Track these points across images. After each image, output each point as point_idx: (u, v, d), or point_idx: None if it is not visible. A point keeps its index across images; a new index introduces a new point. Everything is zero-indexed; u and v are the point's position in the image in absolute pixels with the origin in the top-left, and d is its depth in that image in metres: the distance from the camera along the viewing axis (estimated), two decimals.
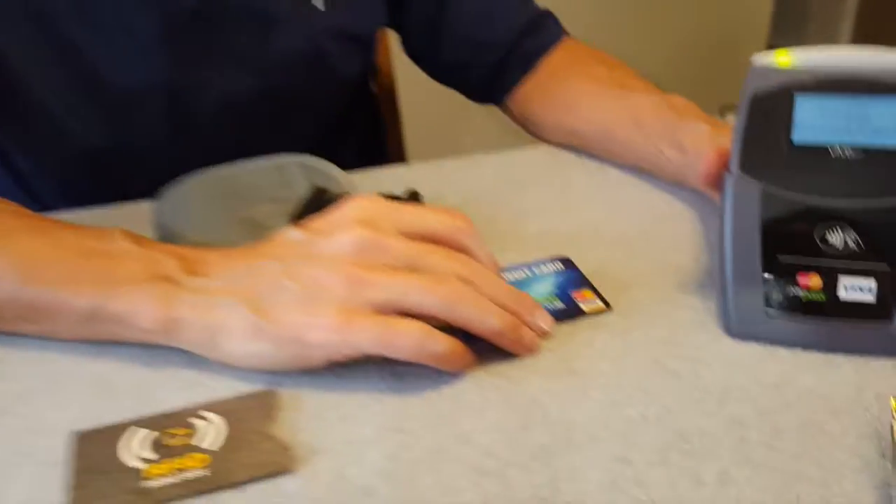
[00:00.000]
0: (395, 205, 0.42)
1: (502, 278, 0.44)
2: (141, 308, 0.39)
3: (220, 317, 0.39)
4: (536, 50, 0.71)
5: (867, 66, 0.39)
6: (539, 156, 0.67)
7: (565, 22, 0.74)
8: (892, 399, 0.34)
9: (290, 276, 0.39)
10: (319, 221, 0.42)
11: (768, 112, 0.40)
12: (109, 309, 0.40)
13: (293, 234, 0.42)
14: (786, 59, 0.40)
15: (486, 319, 0.39)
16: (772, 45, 1.93)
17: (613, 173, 0.62)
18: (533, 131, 0.72)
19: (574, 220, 0.55)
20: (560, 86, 0.68)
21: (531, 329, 0.41)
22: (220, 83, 0.63)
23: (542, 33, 0.71)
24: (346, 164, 0.58)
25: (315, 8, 0.64)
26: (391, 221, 0.40)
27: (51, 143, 0.63)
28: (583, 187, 0.61)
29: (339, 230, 0.40)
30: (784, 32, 1.97)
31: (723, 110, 0.54)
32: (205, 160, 0.59)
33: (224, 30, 0.61)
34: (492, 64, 0.71)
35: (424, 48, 0.74)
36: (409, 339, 0.37)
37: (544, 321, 0.41)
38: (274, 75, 0.64)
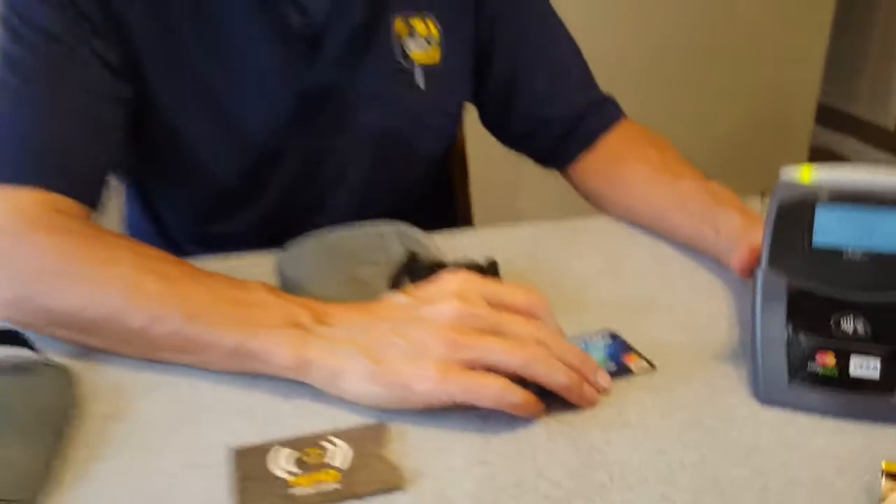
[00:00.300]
0: (484, 280, 0.52)
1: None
2: (278, 349, 0.50)
3: (342, 361, 0.49)
4: (596, 129, 0.81)
5: (876, 184, 0.48)
6: (597, 226, 0.77)
7: (621, 99, 0.84)
8: (883, 462, 0.42)
9: (399, 334, 0.49)
10: (423, 291, 0.52)
11: (792, 219, 0.49)
12: (251, 347, 0.50)
13: (401, 299, 0.52)
14: (808, 175, 0.49)
15: (555, 377, 0.48)
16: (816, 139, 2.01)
17: (663, 248, 0.71)
18: (591, 201, 0.82)
19: (627, 289, 0.65)
20: (616, 165, 0.78)
21: (592, 386, 0.50)
22: (341, 150, 0.75)
23: (602, 114, 0.82)
24: (423, 220, 0.69)
25: (418, 87, 0.75)
26: (481, 294, 0.50)
27: (195, 192, 0.75)
28: (636, 259, 0.70)
29: (439, 300, 0.50)
30: (829, 121, 2.04)
31: (764, 192, 0.63)
32: (320, 212, 0.71)
33: (347, 107, 0.73)
34: (555, 137, 0.82)
35: (497, 120, 0.85)
36: (493, 391, 0.47)
37: (604, 380, 0.50)
38: (383, 144, 0.76)
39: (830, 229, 0.48)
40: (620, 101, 0.84)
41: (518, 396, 0.47)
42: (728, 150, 1.88)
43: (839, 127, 3.05)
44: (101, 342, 0.53)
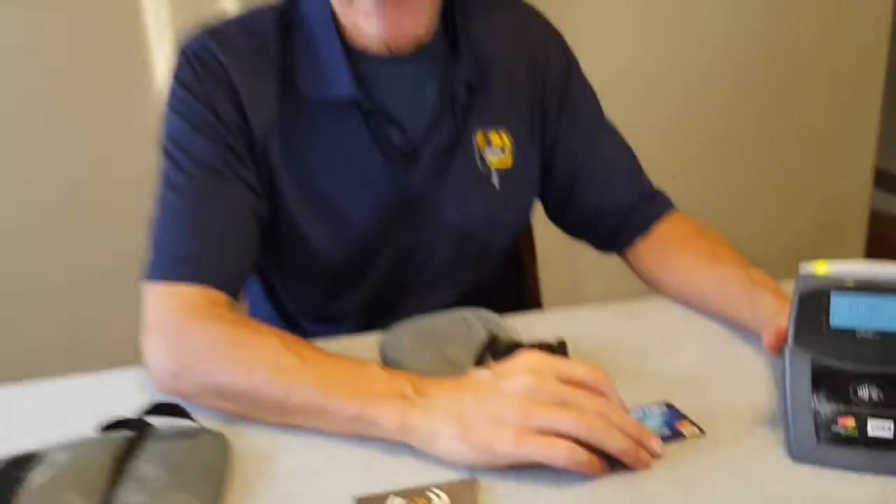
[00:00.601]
0: (554, 358, 0.63)
1: (627, 413, 0.63)
2: (387, 416, 0.61)
3: (437, 427, 0.60)
4: (649, 218, 0.92)
5: (878, 274, 0.58)
6: (653, 306, 0.88)
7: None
8: None
9: (483, 404, 0.60)
10: (502, 367, 0.63)
11: (812, 305, 0.59)
12: (367, 414, 0.62)
13: (484, 374, 0.63)
14: (823, 269, 0.59)
15: (614, 443, 0.57)
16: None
17: (710, 326, 0.81)
18: (647, 282, 0.93)
19: (680, 362, 0.75)
20: (669, 252, 0.88)
21: (647, 451, 0.59)
22: (428, 242, 0.89)
23: (653, 205, 0.93)
24: (498, 301, 0.81)
25: (494, 188, 0.88)
26: (552, 371, 0.61)
27: (311, 278, 0.90)
28: (687, 335, 0.80)
29: (516, 375, 0.61)
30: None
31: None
32: (410, 295, 0.83)
33: (435, 206, 0.87)
34: (611, 226, 0.93)
35: (560, 212, 0.98)
36: (562, 453, 0.56)
37: (657, 445, 0.59)
38: (464, 237, 0.89)
39: (844, 313, 0.58)
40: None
41: (583, 457, 0.57)
42: (792, 224, 1.95)
43: None
44: (246, 410, 0.67)
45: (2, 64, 1.41)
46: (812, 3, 1.82)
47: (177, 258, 0.75)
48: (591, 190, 0.93)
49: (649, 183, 0.96)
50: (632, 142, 0.97)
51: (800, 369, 0.58)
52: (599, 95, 0.95)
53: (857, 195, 2.01)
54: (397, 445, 0.62)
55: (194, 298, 0.72)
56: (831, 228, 2.01)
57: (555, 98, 0.90)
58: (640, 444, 0.59)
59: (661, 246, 0.90)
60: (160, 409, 0.66)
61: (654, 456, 0.59)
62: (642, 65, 1.77)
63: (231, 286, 0.76)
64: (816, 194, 1.97)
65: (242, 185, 0.79)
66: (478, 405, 0.60)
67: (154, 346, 0.71)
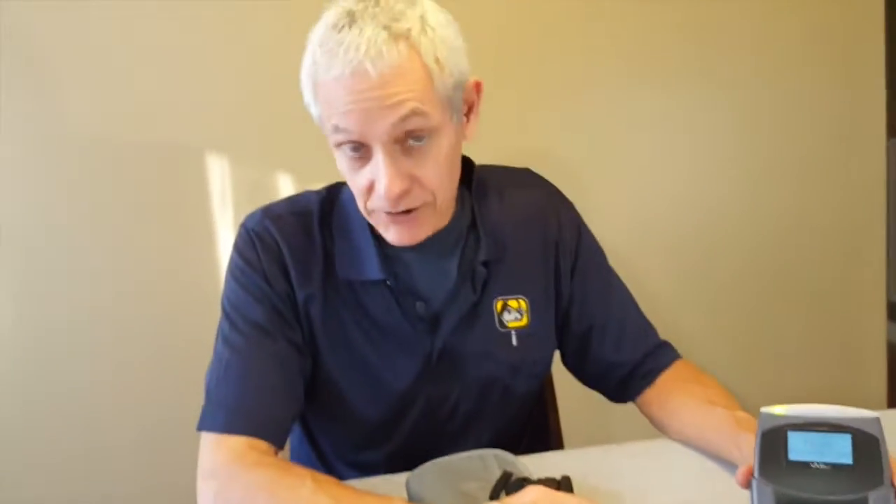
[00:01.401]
0: (557, 493, 0.72)
1: None
2: None
3: None
4: (655, 370, 1.03)
5: (827, 414, 0.67)
6: (655, 447, 0.97)
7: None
8: None
9: None
10: (511, 500, 0.73)
11: (773, 441, 0.68)
12: None
13: None
14: (781, 411, 0.69)
15: None
16: None
17: (707, 463, 0.90)
18: (654, 425, 1.02)
19: (678, 496, 0.83)
20: (670, 398, 0.99)
21: None
22: (454, 394, 0.99)
23: (659, 357, 1.04)
24: (523, 443, 0.90)
25: (512, 346, 0.99)
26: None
27: (347, 429, 1.00)
28: (685, 473, 0.89)
29: None
30: None
31: None
32: (440, 441, 0.94)
33: (459, 363, 0.98)
34: (622, 377, 1.04)
35: (576, 365, 1.08)
36: None
37: None
38: (486, 391, 1.00)
39: (799, 448, 0.67)
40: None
41: None
42: (816, 367, 2.02)
43: None
44: None
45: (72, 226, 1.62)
46: (814, 150, 1.98)
47: (228, 410, 0.86)
48: (605, 345, 1.03)
49: (656, 335, 1.06)
50: (650, 293, 1.09)
51: (765, 499, 0.67)
52: (622, 250, 1.07)
53: (874, 331, 2.07)
54: None
55: (242, 448, 0.83)
56: (853, 366, 2.06)
57: (568, 261, 1.02)
58: None
59: (663, 393, 1.00)
60: None
61: None
62: (657, 222, 1.92)
63: (275, 436, 0.87)
64: (835, 336, 2.04)
65: (288, 345, 0.92)
66: None
67: (205, 491, 0.81)
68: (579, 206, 1.08)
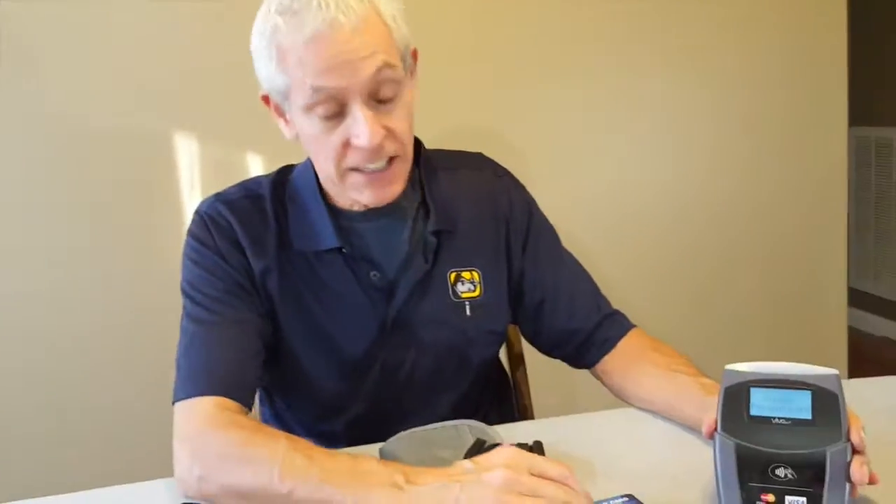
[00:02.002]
0: (529, 454, 0.72)
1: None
2: (382, 502, 0.71)
3: None
4: (612, 337, 1.06)
5: (789, 372, 0.70)
6: (623, 415, 0.99)
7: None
8: None
9: (465, 492, 0.69)
10: (484, 460, 0.73)
11: (736, 396, 0.71)
12: (364, 502, 0.71)
13: (468, 465, 0.74)
14: (745, 368, 0.72)
15: None
16: None
17: (672, 429, 0.92)
18: (614, 393, 1.05)
19: (646, 460, 0.85)
20: (631, 366, 1.01)
21: None
22: (410, 362, 1.01)
23: (614, 325, 1.06)
24: (488, 413, 0.91)
25: (466, 315, 1.02)
26: (526, 465, 0.70)
27: (307, 399, 1.02)
28: (652, 438, 0.91)
29: (493, 468, 0.70)
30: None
31: None
32: (398, 411, 0.95)
33: (414, 330, 1.00)
34: (578, 345, 1.07)
35: (533, 334, 1.11)
36: None
37: None
38: (442, 357, 1.02)
39: (761, 404, 0.70)
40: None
41: None
42: (777, 348, 2.07)
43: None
44: None
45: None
46: (776, 140, 2.03)
47: (196, 376, 0.87)
48: (557, 314, 1.07)
49: (608, 304, 1.10)
50: (605, 277, 1.12)
51: (727, 453, 0.69)
52: (574, 233, 1.11)
53: (835, 315, 2.13)
54: None
55: (213, 409, 0.84)
56: (815, 351, 2.11)
57: (519, 238, 1.06)
58: None
59: (624, 360, 1.03)
60: None
61: None
62: (612, 206, 1.95)
63: (243, 396, 0.88)
64: (797, 318, 2.09)
65: (248, 311, 0.94)
66: (461, 494, 0.69)
67: (181, 454, 0.82)
68: (532, 190, 1.12)
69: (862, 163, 3.33)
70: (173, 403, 0.88)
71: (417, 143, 1.03)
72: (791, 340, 2.08)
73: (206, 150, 1.64)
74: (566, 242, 1.13)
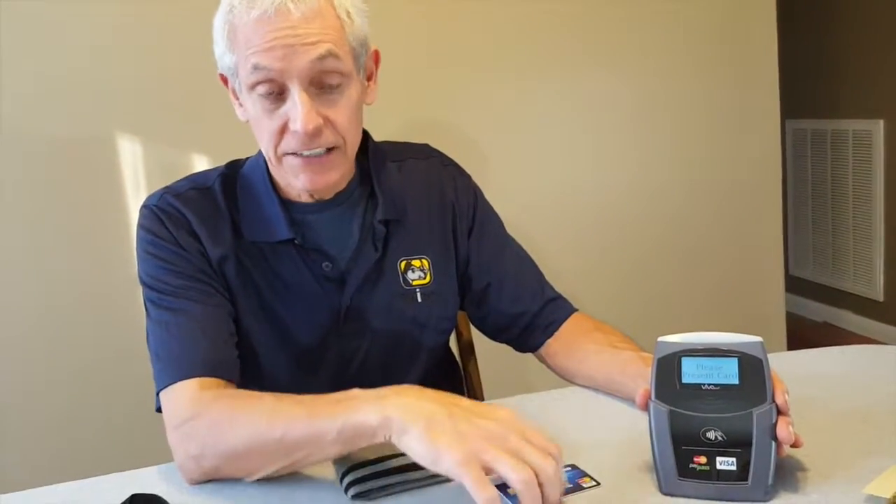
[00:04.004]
0: (524, 421, 0.70)
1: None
2: (368, 415, 0.71)
3: (409, 422, 0.68)
4: (555, 321, 1.09)
5: (717, 341, 0.74)
6: (569, 393, 1.02)
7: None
8: None
9: (453, 422, 0.67)
10: (482, 406, 0.72)
11: (668, 366, 0.74)
12: (350, 422, 0.71)
13: (465, 402, 0.72)
14: (676, 339, 0.75)
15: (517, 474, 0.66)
16: None
17: (615, 404, 0.95)
18: (559, 374, 1.08)
19: (589, 434, 0.88)
20: (575, 346, 1.05)
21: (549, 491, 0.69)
22: (364, 349, 1.03)
23: (557, 309, 1.10)
24: None
25: (417, 302, 1.04)
26: (519, 428, 0.68)
27: (259, 384, 1.00)
28: (595, 413, 0.94)
29: (490, 416, 0.69)
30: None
31: None
32: None
33: (366, 318, 1.02)
34: (523, 328, 1.10)
35: (479, 319, 1.14)
36: (486, 495, 0.64)
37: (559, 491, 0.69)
38: (394, 345, 1.04)
39: (691, 372, 0.73)
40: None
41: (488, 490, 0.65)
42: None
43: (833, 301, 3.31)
44: (260, 462, 0.77)
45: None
46: (713, 133, 2.10)
47: (177, 362, 0.88)
48: (503, 298, 1.09)
49: (552, 289, 1.13)
50: (550, 267, 1.15)
51: (661, 419, 0.73)
52: (521, 225, 1.14)
53: (773, 302, 2.21)
54: None
55: (196, 390, 0.85)
56: (755, 334, 2.19)
57: (465, 224, 1.09)
58: (546, 487, 0.66)
59: (568, 341, 1.06)
60: (143, 500, 0.77)
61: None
62: (557, 199, 1.99)
63: (227, 371, 0.89)
64: (738, 304, 2.16)
65: (212, 291, 0.95)
66: (448, 420, 0.68)
67: (174, 442, 0.83)
68: (478, 180, 1.15)
69: (799, 154, 3.45)
70: (157, 393, 0.89)
71: (364, 135, 1.04)
72: (733, 327, 2.09)
73: (150, 152, 1.63)
74: (513, 232, 1.15)
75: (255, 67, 0.86)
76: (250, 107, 0.91)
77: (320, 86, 0.88)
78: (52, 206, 1.58)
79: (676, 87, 2.05)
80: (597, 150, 2.01)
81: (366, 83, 0.97)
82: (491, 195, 1.16)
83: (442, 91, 1.83)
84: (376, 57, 0.98)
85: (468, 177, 1.14)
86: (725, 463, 0.71)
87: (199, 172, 1.05)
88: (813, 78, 3.29)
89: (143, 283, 0.96)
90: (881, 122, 3.01)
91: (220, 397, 0.84)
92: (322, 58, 0.86)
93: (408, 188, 1.06)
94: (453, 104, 1.85)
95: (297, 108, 0.86)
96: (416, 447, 0.68)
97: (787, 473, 0.75)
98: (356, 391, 0.76)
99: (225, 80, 0.96)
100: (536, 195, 1.95)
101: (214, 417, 0.81)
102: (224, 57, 0.91)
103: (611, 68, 1.98)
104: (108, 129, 1.60)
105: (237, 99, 0.96)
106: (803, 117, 3.36)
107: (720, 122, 2.10)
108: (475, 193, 1.12)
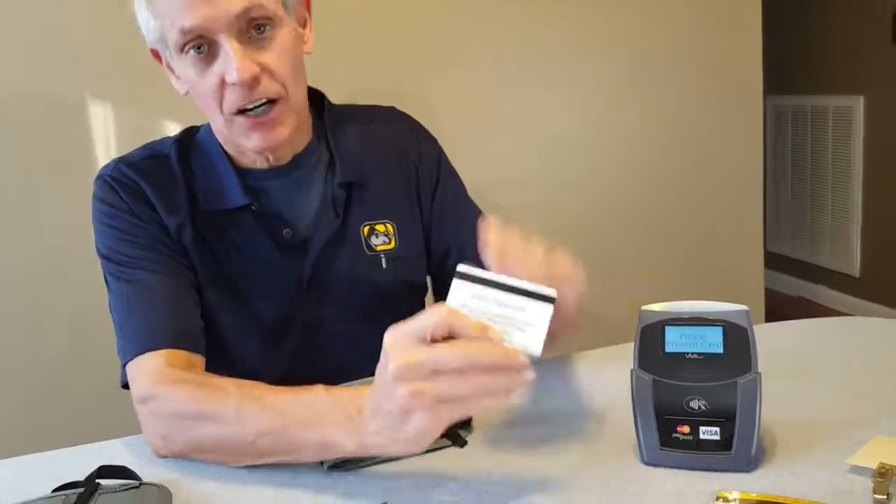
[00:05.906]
0: (404, 326, 0.70)
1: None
2: (347, 443, 0.69)
3: (383, 442, 0.67)
4: None
5: (701, 310, 0.72)
6: (550, 363, 1.00)
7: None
8: (718, 492, 0.63)
9: (389, 402, 0.65)
10: (382, 359, 0.70)
11: (651, 334, 0.72)
12: (328, 443, 0.70)
13: (378, 374, 0.69)
14: (659, 308, 0.73)
15: (489, 401, 0.63)
16: None
17: (595, 373, 0.94)
18: None
19: (571, 403, 0.87)
20: None
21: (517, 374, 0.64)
22: (329, 319, 1.00)
23: None
24: None
25: (382, 268, 1.02)
26: (408, 338, 0.68)
27: (228, 363, 0.98)
28: (576, 382, 0.93)
29: (389, 363, 0.66)
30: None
31: None
32: (322, 372, 0.94)
33: (330, 286, 0.99)
34: None
35: (438, 285, 1.11)
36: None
37: (526, 370, 0.65)
38: (361, 313, 1.01)
39: (675, 340, 0.71)
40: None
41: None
42: None
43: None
44: (224, 458, 0.76)
45: None
46: (695, 110, 2.08)
47: (141, 333, 0.86)
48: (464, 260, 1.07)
49: None
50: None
51: (643, 387, 0.71)
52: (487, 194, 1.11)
53: (752, 277, 2.22)
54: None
55: (162, 366, 0.82)
56: None
57: (428, 187, 1.06)
58: (510, 370, 0.63)
59: None
60: (109, 471, 0.75)
61: (524, 377, 0.64)
62: (532, 168, 1.97)
63: (190, 342, 0.87)
64: (717, 279, 2.16)
65: (172, 262, 0.92)
66: (385, 404, 0.66)
67: (142, 417, 0.81)
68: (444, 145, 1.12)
69: (780, 130, 3.45)
70: (123, 366, 0.86)
71: (321, 97, 1.03)
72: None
73: (121, 116, 1.58)
74: (484, 205, 1.12)
75: (182, 31, 0.84)
76: (185, 72, 0.89)
77: (250, 35, 0.86)
78: (20, 171, 1.53)
79: (660, 65, 2.03)
80: (579, 128, 1.99)
81: (300, 30, 0.94)
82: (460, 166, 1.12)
83: (394, 54, 1.79)
84: (307, 2, 0.96)
85: (434, 140, 1.11)
86: (709, 433, 0.69)
87: (158, 140, 1.02)
88: (795, 54, 3.28)
89: (102, 256, 0.93)
90: (861, 98, 3.01)
91: (182, 382, 0.81)
92: (247, 9, 0.84)
93: (371, 151, 1.03)
94: (407, 68, 1.81)
95: (231, 58, 0.84)
96: (402, 452, 0.69)
97: (771, 444, 0.74)
98: (323, 398, 0.73)
99: (157, 56, 0.94)
100: (516, 169, 1.93)
101: (178, 406, 0.79)
102: (149, 24, 0.88)
103: (592, 45, 1.96)
104: (79, 90, 1.56)
105: (173, 72, 0.93)
106: (784, 93, 3.36)
107: (703, 99, 2.09)
108: (439, 157, 1.09)
